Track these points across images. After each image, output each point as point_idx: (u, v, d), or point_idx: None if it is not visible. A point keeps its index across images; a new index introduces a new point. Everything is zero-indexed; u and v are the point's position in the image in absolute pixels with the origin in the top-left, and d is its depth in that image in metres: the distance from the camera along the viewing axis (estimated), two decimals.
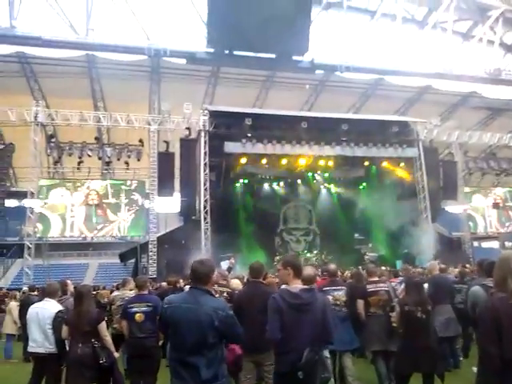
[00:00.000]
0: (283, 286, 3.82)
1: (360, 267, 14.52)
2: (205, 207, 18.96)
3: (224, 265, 13.46)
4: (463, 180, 24.44)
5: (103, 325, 5.17)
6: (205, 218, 18.84)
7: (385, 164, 22.27)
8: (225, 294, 5.81)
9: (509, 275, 2.53)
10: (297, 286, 3.59)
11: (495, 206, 31.02)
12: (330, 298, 5.98)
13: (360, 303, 6.11)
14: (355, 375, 6.12)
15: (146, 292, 6.01)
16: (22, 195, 23.94)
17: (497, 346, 2.40)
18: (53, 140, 20.83)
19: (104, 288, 14.94)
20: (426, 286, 6.46)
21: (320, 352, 3.51)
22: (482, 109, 31.13)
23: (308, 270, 4.18)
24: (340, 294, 6.16)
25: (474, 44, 24.69)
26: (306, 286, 3.67)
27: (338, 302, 6.08)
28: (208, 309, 3.10)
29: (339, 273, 9.95)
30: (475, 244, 26.93)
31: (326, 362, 3.59)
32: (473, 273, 8.50)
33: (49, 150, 20.46)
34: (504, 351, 2.38)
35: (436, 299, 6.39)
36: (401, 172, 22.69)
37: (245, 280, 6.79)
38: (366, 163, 22.42)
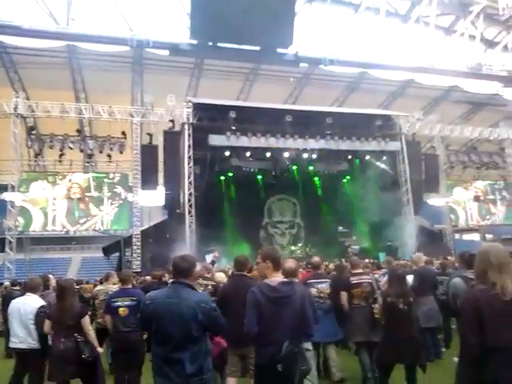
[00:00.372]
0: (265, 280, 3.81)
1: (343, 259, 14.70)
2: (189, 200, 18.88)
3: (208, 258, 13.44)
4: (445, 173, 24.77)
5: (86, 319, 5.12)
6: (189, 212, 18.76)
7: (368, 157, 22.43)
8: (209, 287, 5.80)
9: (489, 267, 2.58)
10: (276, 279, 3.58)
11: (476, 198, 31.60)
12: (314, 290, 6.03)
13: (343, 295, 6.17)
14: (339, 366, 6.20)
15: (129, 286, 5.97)
16: (2, 188, 23.50)
17: (477, 336, 2.46)
18: (33, 132, 20.45)
19: (87, 282, 14.81)
20: (409, 277, 6.56)
21: (300, 344, 3.52)
22: (464, 103, 31.55)
23: (289, 263, 4.19)
24: (324, 286, 6.22)
25: (456, 39, 25.02)
26: (285, 279, 3.66)
27: (322, 295, 6.14)
28: (190, 303, 3.12)
29: (323, 265, 10.06)
30: (456, 236, 27.40)
31: (306, 355, 3.59)
32: (454, 265, 8.67)
33: (29, 143, 20.09)
34: (487, 340, 2.43)
35: (419, 291, 6.50)
36: (384, 165, 22.89)
37: (229, 273, 6.80)
38: (350, 156, 22.55)
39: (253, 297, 3.49)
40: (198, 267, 3.68)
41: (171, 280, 6.33)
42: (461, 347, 2.64)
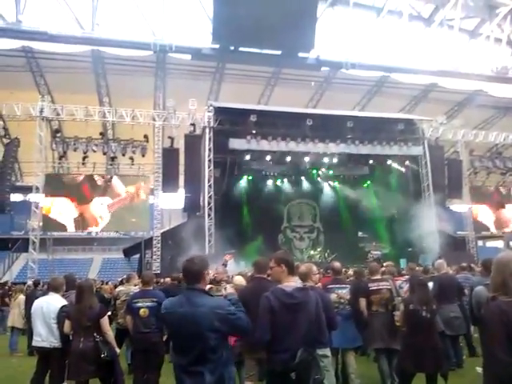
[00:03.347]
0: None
1: (362, 265, 14.53)
2: (209, 203, 18.98)
3: (230, 262, 13.47)
4: (468, 179, 24.31)
5: (105, 319, 5.19)
6: (209, 215, 18.86)
7: (390, 162, 22.20)
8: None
9: (509, 278, 2.49)
10: (291, 284, 3.53)
11: (500, 205, 30.85)
12: (334, 295, 5.97)
13: (362, 301, 6.10)
14: (358, 373, 6.12)
15: (150, 287, 6.03)
16: (27, 190, 24.06)
17: (507, 352, 2.35)
18: (58, 135, 20.85)
19: (107, 283, 15.00)
20: (429, 284, 6.45)
21: (314, 352, 3.45)
22: (489, 107, 30.94)
23: (301, 267, 4.16)
24: (344, 291, 6.15)
25: (481, 42, 24.53)
26: (299, 285, 3.61)
27: (342, 300, 6.08)
28: (205, 310, 2.93)
29: (343, 271, 9.96)
30: (480, 243, 26.83)
31: (320, 363, 3.50)
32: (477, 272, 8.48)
33: (54, 145, 20.48)
34: None
35: (442, 298, 6.39)
36: (406, 170, 22.61)
37: (248, 276, 6.79)
38: (371, 161, 22.36)
39: (267, 302, 3.43)
40: (211, 271, 3.51)
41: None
42: (486, 362, 2.54)
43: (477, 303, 5.06)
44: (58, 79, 25.11)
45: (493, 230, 25.92)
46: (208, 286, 3.63)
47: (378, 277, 6.37)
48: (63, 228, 20.43)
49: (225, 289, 4.36)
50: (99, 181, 21.08)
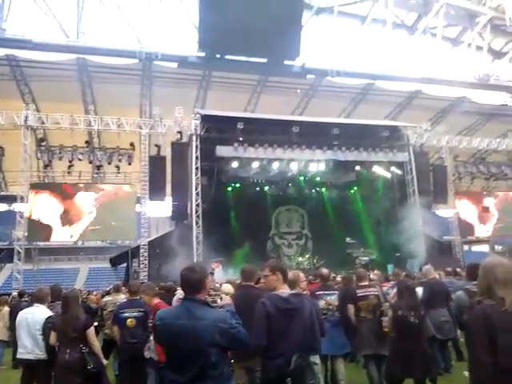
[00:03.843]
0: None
1: (351, 271, 14.59)
2: (196, 211, 18.91)
3: (217, 270, 13.42)
4: (453, 184, 24.61)
5: (91, 330, 5.13)
6: (196, 223, 18.78)
7: (375, 168, 22.39)
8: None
9: (494, 283, 2.53)
10: (285, 290, 3.59)
11: (484, 210, 31.27)
12: (323, 302, 5.98)
13: (350, 308, 6.12)
14: (347, 380, 6.12)
15: (138, 297, 5.97)
16: (11, 199, 23.73)
17: (490, 355, 2.38)
18: (43, 144, 20.65)
19: (90, 293, 14.75)
20: (418, 289, 6.49)
21: (308, 358, 3.47)
22: (472, 114, 31.45)
23: (289, 274, 4.18)
24: (332, 298, 6.17)
25: (463, 49, 24.96)
26: (294, 291, 3.68)
27: (331, 307, 6.08)
28: (207, 323, 2.70)
29: (331, 277, 9.98)
30: (465, 248, 27.13)
31: (314, 369, 3.56)
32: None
33: (39, 154, 20.26)
34: (500, 360, 2.36)
35: (431, 303, 6.44)
36: (392, 176, 22.83)
37: (236, 284, 6.77)
38: (357, 167, 22.52)
39: (263, 308, 3.46)
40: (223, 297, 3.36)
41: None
42: (472, 366, 2.56)
43: (457, 307, 5.14)
44: (43, 87, 24.92)
45: (477, 227, 26.07)
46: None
47: (366, 283, 6.39)
48: (48, 229, 19.83)
49: (220, 299, 4.29)
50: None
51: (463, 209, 25.59)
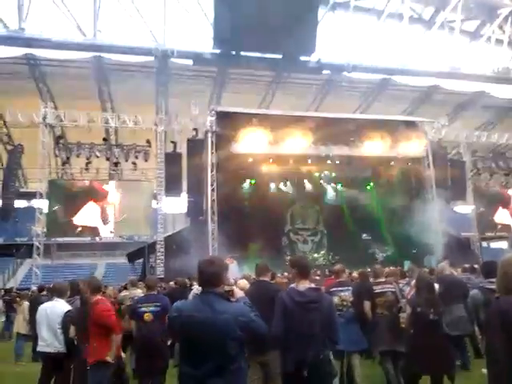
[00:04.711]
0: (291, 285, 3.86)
1: (368, 268, 14.50)
2: (212, 207, 18.99)
3: (232, 266, 13.43)
4: (472, 180, 24.25)
5: None
6: (212, 219, 18.87)
7: (392, 164, 22.17)
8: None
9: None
10: (304, 285, 3.65)
11: (504, 206, 30.74)
12: (337, 298, 5.96)
13: (367, 304, 6.09)
14: (363, 376, 6.10)
15: (154, 292, 6.03)
16: (31, 196, 24.14)
17: (507, 352, 2.35)
18: (61, 141, 20.94)
19: (106, 287, 14.91)
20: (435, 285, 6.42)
21: (325, 350, 3.53)
22: (491, 108, 30.90)
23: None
24: (347, 294, 6.14)
25: (482, 43, 24.56)
26: (313, 286, 3.74)
27: (345, 303, 6.06)
28: (228, 317, 2.67)
29: (347, 273, 9.94)
30: (484, 244, 26.71)
31: (332, 361, 3.65)
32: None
33: (57, 151, 20.57)
34: None
35: (447, 299, 6.37)
36: (409, 172, 22.59)
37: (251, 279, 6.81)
38: (374, 163, 22.32)
39: (281, 302, 3.56)
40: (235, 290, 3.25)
41: (195, 289, 6.36)
42: (490, 362, 2.53)
43: (473, 306, 5.07)
44: (61, 86, 25.25)
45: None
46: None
47: (383, 279, 6.36)
48: (96, 231, 20.55)
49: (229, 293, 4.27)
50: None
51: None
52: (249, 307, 2.88)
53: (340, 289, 6.17)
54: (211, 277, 2.83)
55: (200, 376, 2.66)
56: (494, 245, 28.83)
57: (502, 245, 28.26)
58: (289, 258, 19.63)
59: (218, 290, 2.81)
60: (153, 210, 21.61)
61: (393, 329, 5.69)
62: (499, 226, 25.55)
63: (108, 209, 20.41)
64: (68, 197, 19.94)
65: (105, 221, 20.21)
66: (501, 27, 24.38)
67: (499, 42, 24.12)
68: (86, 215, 19.92)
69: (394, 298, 6.02)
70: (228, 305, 2.78)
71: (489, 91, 28.88)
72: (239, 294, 3.04)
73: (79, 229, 20.01)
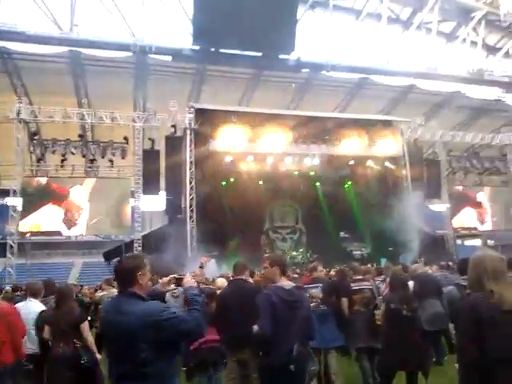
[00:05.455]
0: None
1: (344, 265, 14.65)
2: (190, 205, 18.90)
3: (211, 265, 13.37)
4: (447, 179, 24.73)
5: (85, 325, 5.11)
6: (190, 217, 18.78)
7: (370, 163, 22.45)
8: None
9: (484, 276, 2.54)
10: (288, 283, 3.74)
11: (477, 204, 31.49)
12: (307, 295, 5.98)
13: (344, 301, 6.14)
14: (339, 373, 6.15)
15: None
16: (4, 193, 23.54)
17: (476, 345, 2.41)
18: (36, 137, 20.51)
19: (81, 287, 14.68)
20: (409, 283, 6.52)
21: (308, 346, 3.67)
22: (466, 109, 31.55)
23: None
24: (316, 291, 6.16)
25: (458, 45, 25.04)
26: (296, 284, 3.86)
27: (314, 299, 6.07)
28: (130, 318, 2.51)
29: (325, 271, 10.01)
30: (458, 242, 27.30)
31: (313, 357, 3.76)
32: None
33: (32, 148, 20.14)
34: (488, 351, 2.38)
35: (422, 295, 6.48)
36: (386, 171, 22.91)
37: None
38: (351, 162, 22.56)
39: (268, 299, 3.58)
40: (188, 274, 3.16)
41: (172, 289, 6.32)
42: (461, 357, 2.59)
43: (448, 302, 5.17)
44: (36, 81, 24.66)
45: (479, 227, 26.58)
46: (172, 287, 3.40)
47: (360, 277, 6.43)
48: (58, 233, 20.21)
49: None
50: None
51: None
52: (190, 298, 2.77)
53: (312, 286, 6.20)
54: (123, 276, 2.71)
55: (116, 376, 2.60)
56: (468, 242, 29.49)
57: (476, 242, 28.95)
58: (267, 255, 19.72)
59: (131, 290, 2.65)
60: (130, 208, 21.36)
61: (369, 325, 5.75)
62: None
63: (74, 212, 20.12)
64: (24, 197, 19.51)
65: (69, 224, 19.94)
66: (475, 29, 24.90)
67: (474, 43, 24.64)
68: (44, 218, 19.61)
69: (371, 295, 6.09)
70: (137, 305, 2.59)
71: (464, 91, 29.48)
72: (189, 283, 2.90)
73: (27, 235, 19.67)
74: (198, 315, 2.69)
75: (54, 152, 19.67)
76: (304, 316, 3.66)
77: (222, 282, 6.41)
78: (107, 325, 2.70)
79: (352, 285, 6.23)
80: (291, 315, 3.56)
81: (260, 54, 21.46)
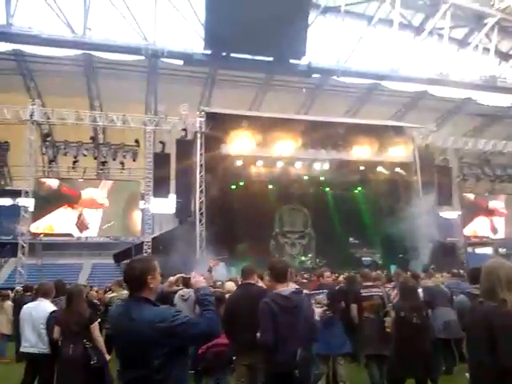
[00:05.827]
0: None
1: (353, 271, 14.56)
2: (200, 209, 18.95)
3: (220, 268, 13.39)
4: (458, 186, 24.54)
5: (95, 326, 5.15)
6: (200, 220, 18.83)
7: (380, 168, 22.34)
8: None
9: (497, 285, 2.52)
10: (285, 288, 3.70)
11: (490, 212, 31.15)
12: (313, 301, 5.95)
13: (354, 307, 6.11)
14: (346, 380, 6.10)
15: None
16: (16, 194, 23.80)
17: (489, 355, 2.38)
18: (48, 139, 20.74)
19: (91, 288, 14.77)
20: (419, 291, 6.48)
21: (311, 350, 3.60)
22: (477, 115, 31.31)
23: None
24: (321, 297, 6.13)
25: (470, 51, 24.88)
26: (293, 289, 3.78)
27: (320, 306, 6.04)
28: (141, 325, 2.44)
29: (332, 276, 9.96)
30: (469, 250, 27.03)
31: (316, 360, 3.76)
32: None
33: (44, 149, 20.35)
34: (499, 360, 2.35)
35: (434, 303, 6.46)
36: (396, 177, 22.78)
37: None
38: (362, 167, 22.48)
39: (266, 307, 3.58)
40: (196, 274, 2.96)
41: (181, 292, 6.31)
42: (472, 367, 2.56)
43: (459, 311, 5.13)
44: (49, 83, 24.95)
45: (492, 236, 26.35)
46: (177, 288, 3.34)
47: (370, 283, 6.39)
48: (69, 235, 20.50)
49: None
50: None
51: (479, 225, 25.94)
52: (201, 299, 2.69)
53: (317, 292, 6.18)
54: (133, 281, 2.62)
55: (127, 381, 2.55)
56: (479, 250, 29.18)
57: (487, 250, 28.62)
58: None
59: (141, 295, 2.57)
60: (140, 211, 21.46)
61: (379, 332, 5.71)
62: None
63: (86, 215, 20.31)
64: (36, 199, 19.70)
65: (82, 228, 20.15)
66: (487, 36, 24.74)
67: (486, 50, 24.47)
68: (57, 220, 19.84)
69: (381, 301, 6.05)
70: (148, 310, 2.51)
71: (476, 98, 29.26)
72: (199, 283, 2.79)
73: (41, 236, 19.95)
74: (212, 316, 2.61)
75: (65, 154, 19.86)
76: (305, 320, 3.65)
77: (231, 286, 6.42)
78: (117, 331, 2.63)
79: (362, 291, 6.19)
80: (291, 321, 3.54)
81: (271, 58, 21.49)
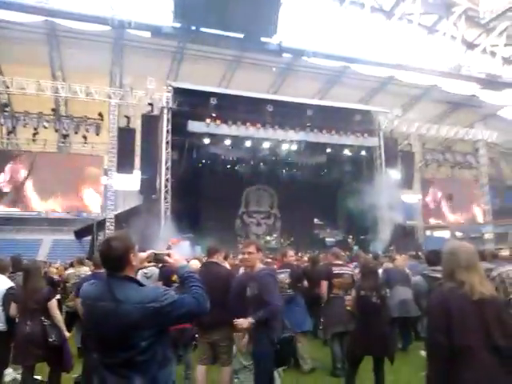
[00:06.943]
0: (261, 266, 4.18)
1: (317, 251, 14.82)
2: (165, 186, 18.70)
3: (185, 246, 13.33)
4: (419, 171, 25.20)
5: (53, 302, 5.02)
6: (165, 197, 18.59)
7: (346, 151, 22.63)
8: None
9: (456, 266, 2.59)
10: (271, 267, 4.25)
11: (448, 197, 32.28)
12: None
13: (324, 284, 6.24)
14: (306, 357, 6.24)
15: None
16: None
17: (445, 335, 2.45)
18: (7, 109, 19.86)
19: (51, 265, 14.45)
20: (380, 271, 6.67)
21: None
22: (442, 102, 32.03)
23: None
24: (283, 276, 6.22)
25: (438, 38, 25.31)
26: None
27: (281, 284, 6.13)
28: (131, 307, 2.30)
29: (294, 256, 10.09)
30: (427, 233, 28.00)
31: (285, 323, 4.17)
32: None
33: (2, 120, 19.50)
34: (454, 339, 2.43)
35: (391, 282, 6.68)
36: (361, 160, 23.14)
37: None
38: (329, 150, 22.69)
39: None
40: (175, 254, 2.73)
41: (145, 269, 6.24)
42: (428, 345, 2.63)
43: (415, 292, 5.30)
44: (8, 49, 23.67)
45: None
46: (150, 265, 3.18)
47: (341, 262, 6.54)
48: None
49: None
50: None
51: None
52: (182, 276, 2.58)
53: (281, 271, 6.27)
54: (113, 261, 2.42)
55: (110, 364, 2.38)
56: (437, 234, 30.27)
57: (445, 234, 29.73)
58: (248, 241, 19.88)
59: (124, 274, 2.42)
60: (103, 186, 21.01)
61: (346, 309, 5.83)
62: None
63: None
64: None
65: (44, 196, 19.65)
66: (455, 24, 25.19)
67: (453, 38, 24.95)
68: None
69: (352, 280, 6.19)
70: (135, 291, 2.38)
71: (441, 85, 29.89)
72: (179, 261, 2.67)
73: None
74: (201, 292, 2.51)
75: (25, 125, 19.13)
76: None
77: (195, 265, 6.37)
78: (97, 313, 2.39)
79: (333, 269, 6.31)
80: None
81: (242, 35, 21.20)
